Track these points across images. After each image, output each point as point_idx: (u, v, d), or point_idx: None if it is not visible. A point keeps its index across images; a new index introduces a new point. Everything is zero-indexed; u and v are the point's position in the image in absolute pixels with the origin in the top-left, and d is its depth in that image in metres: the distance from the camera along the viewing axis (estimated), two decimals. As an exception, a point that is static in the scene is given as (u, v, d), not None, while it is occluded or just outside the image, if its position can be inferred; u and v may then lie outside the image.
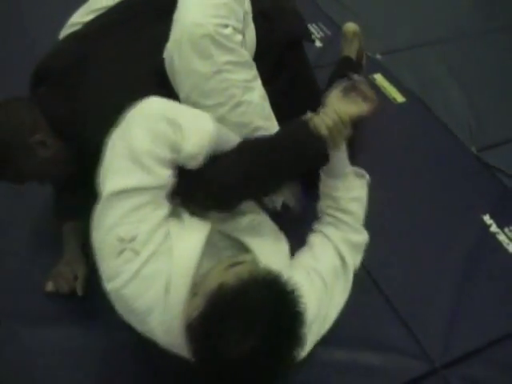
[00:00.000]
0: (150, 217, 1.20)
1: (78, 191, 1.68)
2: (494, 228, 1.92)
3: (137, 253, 1.16)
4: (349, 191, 1.56)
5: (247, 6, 1.55)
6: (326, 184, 1.58)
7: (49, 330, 1.58)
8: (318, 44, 2.68)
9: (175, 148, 1.26)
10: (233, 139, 1.38)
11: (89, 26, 1.64)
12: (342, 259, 1.51)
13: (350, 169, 1.57)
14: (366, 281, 1.74)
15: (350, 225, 1.55)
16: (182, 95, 1.46)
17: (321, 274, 1.45)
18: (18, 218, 1.87)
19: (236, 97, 1.45)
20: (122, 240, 1.16)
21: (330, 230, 1.55)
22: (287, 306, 1.12)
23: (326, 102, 1.43)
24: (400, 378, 1.54)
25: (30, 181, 1.58)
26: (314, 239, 1.55)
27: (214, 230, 1.33)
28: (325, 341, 1.51)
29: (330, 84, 2.21)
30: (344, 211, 1.56)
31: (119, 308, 1.23)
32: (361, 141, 2.09)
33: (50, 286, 1.61)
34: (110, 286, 1.20)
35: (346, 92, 1.44)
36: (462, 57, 2.64)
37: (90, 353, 1.54)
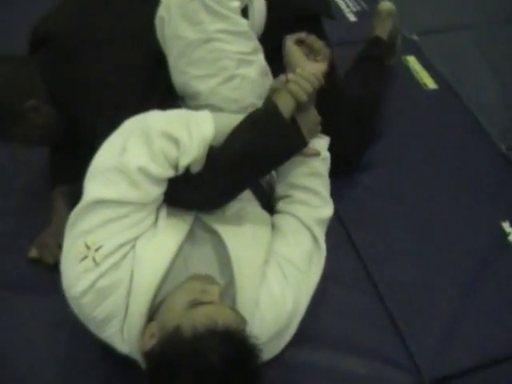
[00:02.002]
0: (123, 233, 1.16)
1: (71, 155, 1.61)
2: (512, 237, 1.77)
3: (97, 264, 1.13)
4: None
5: None
6: None
7: (34, 299, 1.53)
8: (353, 18, 2.53)
9: (173, 164, 1.18)
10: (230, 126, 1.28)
11: None
12: (316, 240, 1.41)
13: None
14: (364, 281, 1.64)
15: (322, 196, 1.45)
16: (170, 63, 1.38)
17: (296, 264, 1.35)
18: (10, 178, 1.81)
19: (228, 69, 1.36)
20: (87, 247, 1.14)
21: (300, 210, 1.42)
22: (242, 367, 1.04)
23: (289, 61, 1.41)
24: (382, 389, 1.43)
25: (16, 142, 1.53)
26: (286, 224, 1.41)
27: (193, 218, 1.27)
28: (309, 339, 1.43)
29: (355, 64, 2.08)
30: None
31: (78, 315, 1.20)
32: (383, 124, 2.02)
33: (33, 253, 1.56)
34: (68, 293, 1.17)
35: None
36: (499, 45, 2.46)
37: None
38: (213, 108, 1.38)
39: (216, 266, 1.25)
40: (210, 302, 1.11)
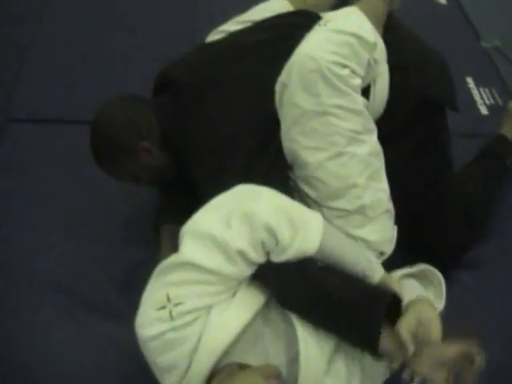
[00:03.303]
0: (204, 298, 1.18)
1: (179, 196, 1.68)
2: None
3: (172, 318, 1.15)
4: None
5: (379, 54, 1.43)
6: None
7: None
8: (485, 112, 2.45)
9: (268, 253, 1.19)
10: (341, 247, 1.27)
11: (228, 41, 1.63)
12: None
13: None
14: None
15: None
16: (283, 128, 1.39)
17: None
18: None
19: (339, 145, 1.35)
20: (168, 299, 1.16)
21: None
22: None
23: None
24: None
25: (125, 180, 1.60)
26: None
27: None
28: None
29: (476, 157, 2.02)
30: None
31: (144, 353, 1.23)
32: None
33: None
34: (138, 332, 1.20)
35: None
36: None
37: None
38: (318, 181, 1.39)
39: (284, 340, 1.22)
40: None
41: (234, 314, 1.18)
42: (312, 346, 1.18)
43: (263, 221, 1.15)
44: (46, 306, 1.64)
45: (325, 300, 1.17)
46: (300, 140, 1.36)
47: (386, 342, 1.11)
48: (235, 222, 1.16)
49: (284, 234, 1.16)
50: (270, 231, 1.15)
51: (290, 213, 1.20)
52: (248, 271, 1.19)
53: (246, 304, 1.20)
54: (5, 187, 1.95)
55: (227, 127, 1.43)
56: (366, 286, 1.23)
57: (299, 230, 1.18)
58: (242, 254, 1.15)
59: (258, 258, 1.18)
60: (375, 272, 1.27)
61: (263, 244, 1.16)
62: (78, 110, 2.15)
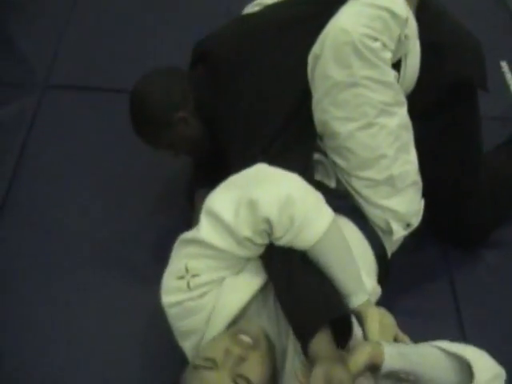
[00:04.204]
0: (219, 271, 1.24)
1: (212, 166, 1.70)
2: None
3: (190, 288, 1.23)
4: None
5: (410, 30, 1.45)
6: None
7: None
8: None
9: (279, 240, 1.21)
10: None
11: (264, 15, 1.65)
12: None
13: None
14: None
15: None
16: (314, 99, 1.42)
17: None
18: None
19: (369, 116, 1.37)
20: (187, 270, 1.24)
21: None
22: None
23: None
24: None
25: (163, 150, 1.66)
26: None
27: None
28: None
29: (507, 139, 2.03)
30: None
31: (167, 318, 1.30)
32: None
33: None
34: (162, 297, 1.28)
35: None
36: None
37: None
38: (348, 151, 1.42)
39: (276, 328, 1.26)
40: (211, 368, 1.12)
41: (244, 280, 1.25)
42: None
43: (264, 213, 1.17)
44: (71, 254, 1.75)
45: (289, 286, 1.19)
46: (331, 110, 1.38)
47: (317, 349, 1.09)
48: (242, 209, 1.18)
49: (280, 231, 1.18)
50: (269, 224, 1.18)
51: (296, 207, 1.18)
52: (259, 251, 1.24)
53: (256, 273, 1.26)
54: (39, 149, 2.03)
55: (259, 101, 1.48)
56: (332, 294, 1.21)
57: (295, 228, 1.18)
58: (249, 240, 1.19)
59: (265, 242, 1.22)
60: (358, 297, 1.23)
61: (266, 232, 1.20)
62: (117, 79, 2.20)
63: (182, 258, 1.25)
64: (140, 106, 1.57)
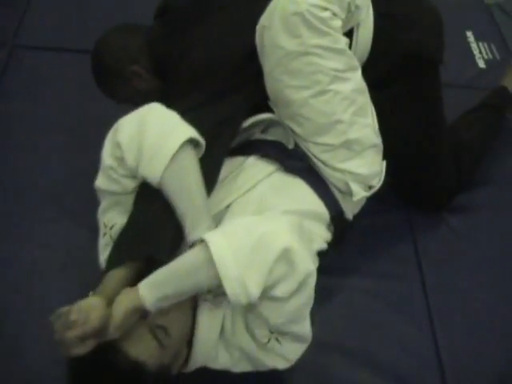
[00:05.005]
0: (124, 214, 1.34)
1: None
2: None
3: (113, 239, 1.33)
4: None
5: (362, 0, 1.47)
6: None
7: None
8: (482, 65, 2.49)
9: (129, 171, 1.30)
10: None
11: None
12: None
13: None
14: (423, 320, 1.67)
15: None
16: (265, 69, 1.44)
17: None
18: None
19: (322, 83, 1.39)
20: (105, 226, 1.36)
21: None
22: None
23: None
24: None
25: (122, 103, 1.69)
26: None
27: None
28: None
29: (474, 108, 2.07)
30: None
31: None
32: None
33: None
34: (99, 258, 1.38)
35: None
36: None
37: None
38: (303, 118, 1.44)
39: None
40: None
41: None
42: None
43: (117, 137, 1.26)
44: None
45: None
46: (284, 79, 1.41)
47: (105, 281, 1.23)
48: (109, 137, 1.30)
49: (130, 158, 1.26)
50: (120, 149, 1.26)
51: (148, 140, 1.26)
52: (131, 185, 1.31)
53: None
54: (8, 110, 2.05)
55: (208, 52, 1.51)
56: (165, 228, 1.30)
57: (144, 157, 1.25)
58: (112, 168, 1.28)
59: (127, 173, 1.29)
60: (196, 231, 1.29)
61: (120, 159, 1.27)
62: (83, 39, 2.13)
63: (100, 217, 1.37)
64: (97, 59, 1.63)
